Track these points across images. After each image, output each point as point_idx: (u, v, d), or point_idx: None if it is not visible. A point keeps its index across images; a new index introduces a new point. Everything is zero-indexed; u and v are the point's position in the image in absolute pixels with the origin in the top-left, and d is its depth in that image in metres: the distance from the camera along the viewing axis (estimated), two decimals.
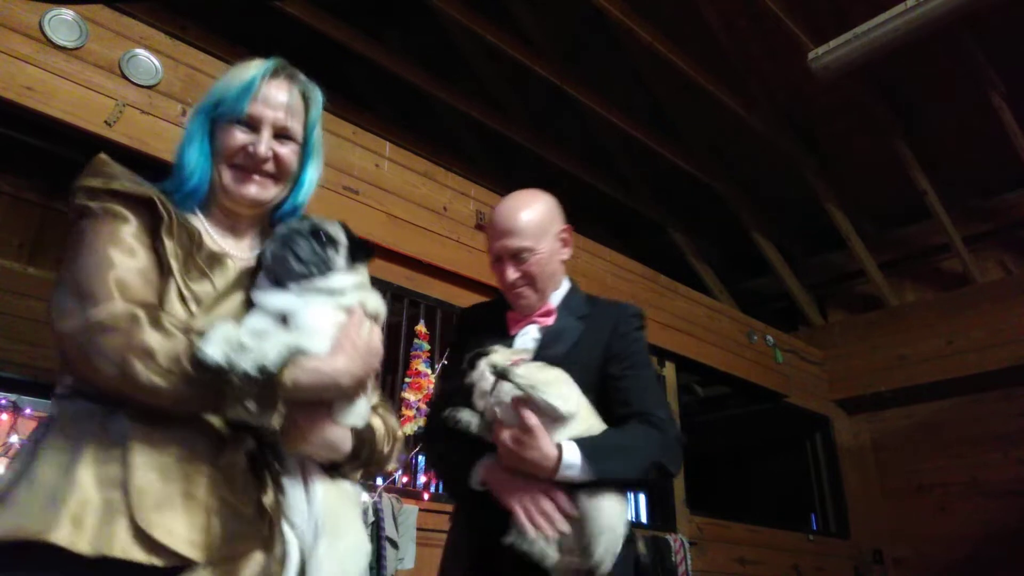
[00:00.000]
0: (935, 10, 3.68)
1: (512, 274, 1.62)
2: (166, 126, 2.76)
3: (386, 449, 1.21)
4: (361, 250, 1.19)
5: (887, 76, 4.99)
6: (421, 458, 3.44)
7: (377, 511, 2.88)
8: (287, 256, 1.10)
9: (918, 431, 5.62)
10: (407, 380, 3.33)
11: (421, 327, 3.44)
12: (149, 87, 2.75)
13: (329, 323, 1.08)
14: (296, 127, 1.20)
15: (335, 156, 3.32)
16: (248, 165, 1.16)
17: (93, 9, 2.66)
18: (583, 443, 1.40)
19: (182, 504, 0.93)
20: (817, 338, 6.18)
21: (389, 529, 2.90)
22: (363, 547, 1.12)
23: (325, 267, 1.12)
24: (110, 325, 0.93)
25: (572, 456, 1.38)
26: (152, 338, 0.93)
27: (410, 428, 3.27)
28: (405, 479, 3.32)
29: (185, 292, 1.05)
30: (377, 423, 1.21)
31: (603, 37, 5.45)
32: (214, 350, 0.93)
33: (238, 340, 0.96)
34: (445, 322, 3.60)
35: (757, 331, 5.52)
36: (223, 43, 4.22)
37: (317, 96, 1.25)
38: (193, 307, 1.05)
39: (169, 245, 1.06)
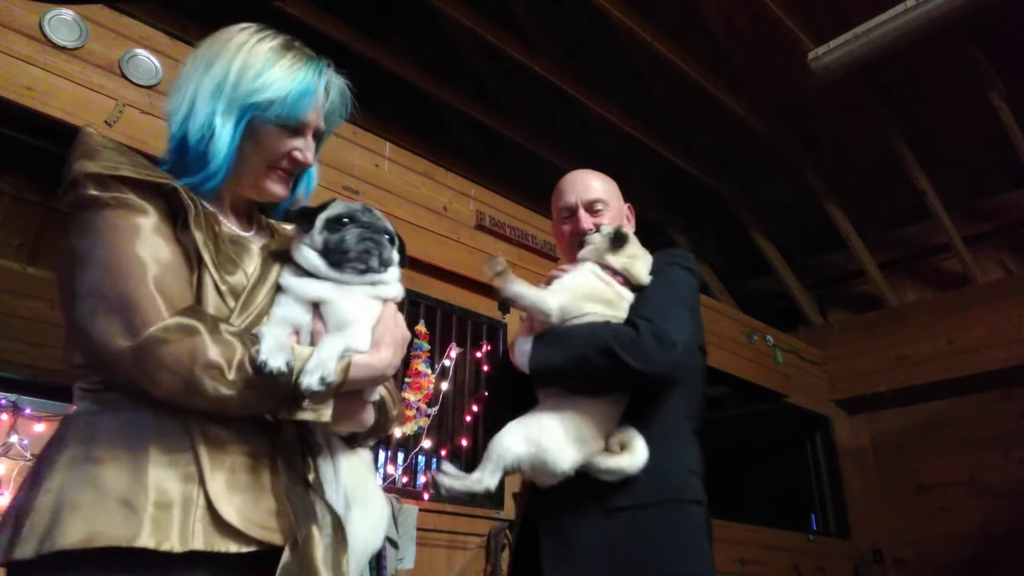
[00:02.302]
0: (935, 10, 3.68)
1: (587, 222, 1.67)
2: (166, 126, 2.75)
3: (394, 413, 1.24)
4: (403, 249, 1.23)
5: (887, 76, 4.99)
6: (421, 458, 3.44)
7: None
8: (372, 252, 1.13)
9: (918, 431, 5.62)
10: (407, 380, 3.33)
11: (421, 327, 3.44)
12: (149, 87, 2.75)
13: (368, 313, 1.12)
14: (322, 124, 1.20)
15: (335, 156, 3.32)
16: (289, 169, 1.17)
17: (93, 9, 2.66)
18: (551, 330, 1.45)
19: (254, 494, 0.99)
20: (817, 338, 6.19)
21: (389, 529, 2.90)
22: (386, 509, 1.22)
23: (390, 266, 1.18)
24: (169, 341, 0.93)
25: (525, 343, 1.45)
26: (215, 352, 0.94)
27: (410, 428, 3.27)
28: (405, 479, 3.32)
29: (221, 286, 1.05)
30: (382, 390, 1.24)
31: (603, 37, 5.45)
32: (276, 361, 0.95)
33: (294, 348, 1.00)
34: (445, 322, 3.60)
35: (757, 331, 5.52)
36: None
37: (342, 89, 1.24)
38: (230, 301, 1.06)
39: (199, 236, 1.04)
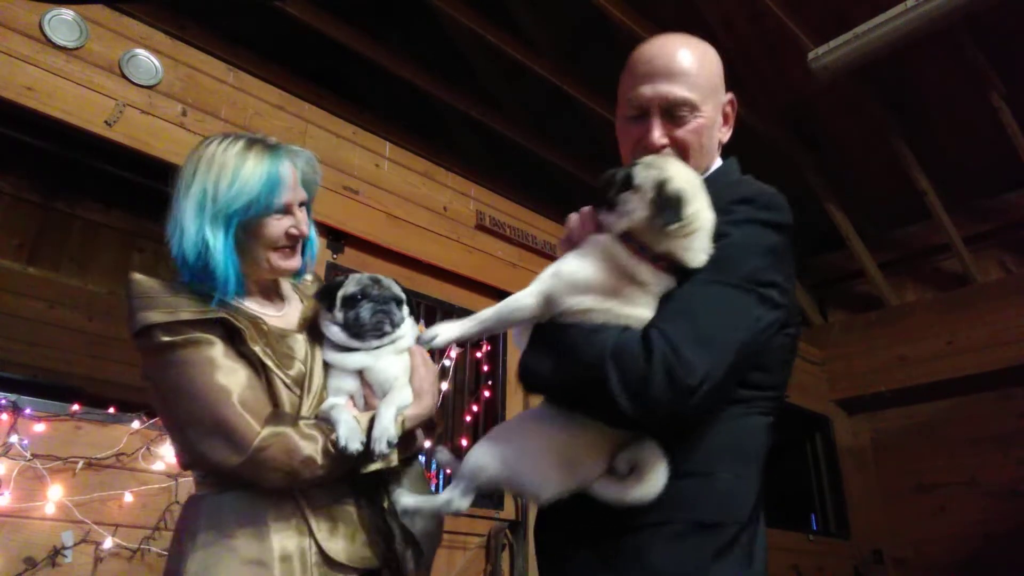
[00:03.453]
0: (935, 10, 3.68)
1: (659, 137, 1.18)
2: (166, 126, 2.76)
3: (436, 419, 1.47)
4: (411, 303, 1.47)
5: (887, 76, 4.98)
6: (420, 458, 3.43)
7: None
8: (384, 322, 1.35)
9: (918, 431, 5.61)
10: None
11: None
12: (149, 87, 2.75)
13: (402, 370, 1.36)
14: (303, 194, 1.38)
15: (335, 156, 3.32)
16: (291, 244, 1.35)
17: (93, 9, 2.66)
18: (547, 326, 1.09)
19: (350, 532, 1.26)
20: (817, 338, 6.18)
21: None
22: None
23: (401, 324, 1.40)
24: (268, 450, 1.17)
25: (522, 338, 1.13)
26: (306, 447, 1.19)
27: None
28: None
29: (288, 381, 1.28)
30: None
31: (603, 37, 5.45)
32: (354, 444, 1.21)
33: (364, 427, 1.25)
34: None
35: None
36: (223, 43, 4.22)
37: (308, 158, 1.40)
38: (296, 390, 1.28)
39: (257, 348, 1.25)
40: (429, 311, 3.54)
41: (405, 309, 1.42)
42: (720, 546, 1.04)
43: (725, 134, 1.29)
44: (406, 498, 1.28)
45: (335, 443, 1.21)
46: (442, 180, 3.80)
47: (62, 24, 2.56)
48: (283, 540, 1.20)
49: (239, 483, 1.22)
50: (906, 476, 5.58)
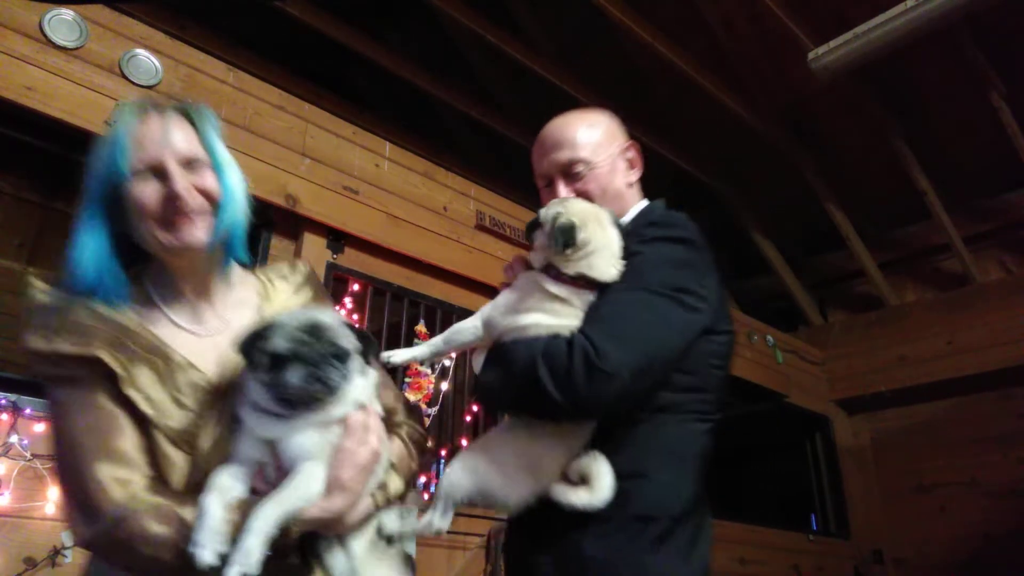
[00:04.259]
0: (935, 10, 3.68)
1: (565, 195, 1.41)
2: None
3: (413, 466, 1.24)
4: (371, 347, 1.11)
5: (887, 76, 4.99)
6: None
7: None
8: (319, 393, 1.03)
9: (918, 431, 5.62)
10: (407, 380, 3.33)
11: (421, 327, 3.44)
12: (149, 87, 2.75)
13: (320, 450, 1.04)
14: (196, 150, 1.10)
15: (335, 156, 3.32)
16: (175, 209, 1.06)
17: (93, 9, 2.66)
18: (493, 346, 1.29)
19: None
20: (817, 338, 6.18)
21: None
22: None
23: (345, 383, 1.06)
24: (114, 531, 0.95)
25: (480, 355, 1.32)
26: (148, 546, 0.95)
27: None
28: None
29: (173, 435, 1.02)
30: (397, 451, 1.20)
31: (603, 37, 5.45)
32: (205, 556, 0.93)
33: (232, 529, 0.96)
34: (445, 322, 3.60)
35: (757, 331, 5.51)
36: (223, 43, 4.22)
37: (201, 111, 1.14)
38: (185, 448, 1.03)
39: (136, 396, 1.01)
40: (429, 311, 3.54)
41: (353, 363, 1.07)
42: (654, 538, 1.19)
43: (633, 175, 1.52)
44: (391, 523, 1.16)
45: (189, 545, 0.94)
46: (442, 180, 3.79)
47: (62, 24, 2.56)
48: None
49: None
50: (906, 476, 5.58)
